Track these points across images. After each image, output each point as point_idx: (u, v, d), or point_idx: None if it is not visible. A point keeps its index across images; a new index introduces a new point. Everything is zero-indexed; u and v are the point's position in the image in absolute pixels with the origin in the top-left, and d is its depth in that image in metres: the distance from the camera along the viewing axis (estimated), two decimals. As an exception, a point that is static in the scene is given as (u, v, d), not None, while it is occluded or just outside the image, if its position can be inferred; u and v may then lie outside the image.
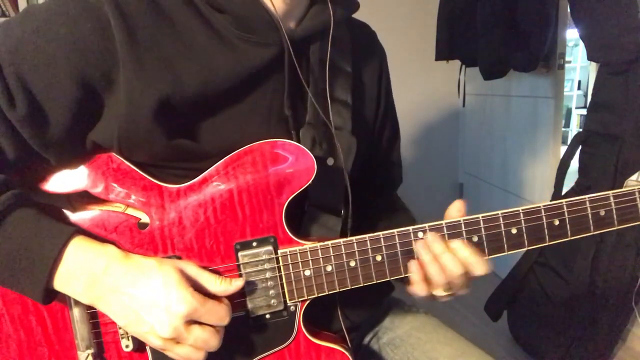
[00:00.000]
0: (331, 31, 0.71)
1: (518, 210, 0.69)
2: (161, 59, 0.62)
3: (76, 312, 0.63)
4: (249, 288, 0.66)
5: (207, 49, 0.65)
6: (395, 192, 0.97)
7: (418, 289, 0.69)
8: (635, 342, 1.77)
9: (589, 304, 1.67)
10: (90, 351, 0.64)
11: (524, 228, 0.69)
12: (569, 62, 4.60)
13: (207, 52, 0.64)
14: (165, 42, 0.63)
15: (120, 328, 0.63)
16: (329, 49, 0.72)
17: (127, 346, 0.64)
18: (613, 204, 0.70)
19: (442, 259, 0.66)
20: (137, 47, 0.61)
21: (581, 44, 2.81)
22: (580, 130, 1.78)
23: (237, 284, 0.63)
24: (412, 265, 0.67)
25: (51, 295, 0.59)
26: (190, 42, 0.64)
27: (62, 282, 0.58)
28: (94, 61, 0.60)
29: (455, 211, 0.70)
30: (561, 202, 0.70)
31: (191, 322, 0.58)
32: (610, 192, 0.70)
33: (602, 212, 0.70)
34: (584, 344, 1.68)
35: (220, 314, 0.60)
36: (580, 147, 1.74)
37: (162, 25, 0.63)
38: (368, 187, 0.91)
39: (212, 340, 0.59)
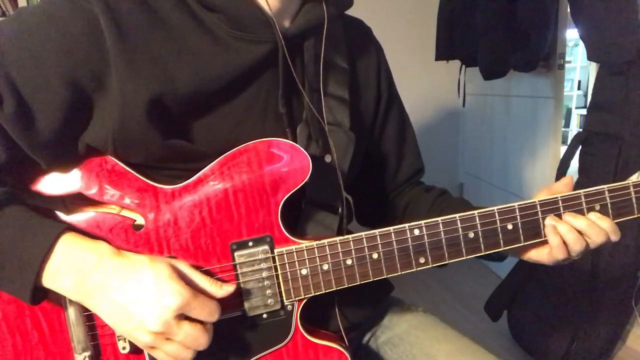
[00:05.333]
0: (325, 27, 0.71)
1: (514, 206, 0.69)
2: (153, 59, 0.62)
3: (72, 314, 0.63)
4: (246, 288, 0.66)
5: (200, 47, 0.65)
6: (422, 181, 0.97)
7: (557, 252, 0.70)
8: (635, 342, 1.76)
9: (589, 303, 1.67)
10: (87, 353, 0.64)
11: (519, 224, 0.69)
12: (569, 62, 4.59)
13: (199, 51, 0.64)
14: (157, 42, 0.63)
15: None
16: (323, 45, 0.72)
17: (124, 348, 0.64)
18: (608, 198, 0.71)
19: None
20: (129, 47, 0.61)
21: (581, 44, 2.81)
22: (580, 130, 1.78)
23: (227, 289, 0.62)
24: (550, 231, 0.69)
25: (40, 295, 0.59)
26: (183, 42, 0.64)
27: (51, 278, 0.58)
28: (84, 62, 0.60)
29: (562, 186, 0.72)
30: (556, 197, 0.70)
31: (181, 317, 0.58)
32: (605, 187, 0.70)
33: (598, 207, 0.70)
34: (584, 343, 1.68)
35: (211, 308, 0.59)
36: (580, 147, 1.74)
37: (153, 25, 0.63)
38: (385, 183, 0.91)
39: (201, 338, 0.59)
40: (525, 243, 0.70)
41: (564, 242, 0.69)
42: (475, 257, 0.71)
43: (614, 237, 0.70)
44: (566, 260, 0.71)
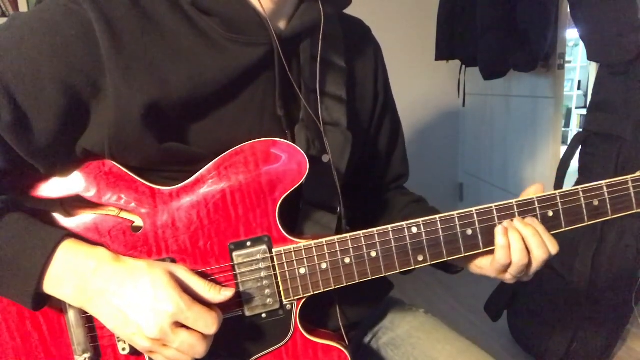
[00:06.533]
0: (322, 28, 0.70)
1: (512, 203, 0.69)
2: (148, 63, 0.62)
3: (71, 316, 0.63)
4: (244, 288, 0.66)
5: (195, 51, 0.64)
6: (404, 187, 0.96)
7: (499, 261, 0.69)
8: (635, 342, 1.77)
9: (589, 303, 1.67)
10: (87, 355, 0.64)
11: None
12: (569, 62, 4.59)
13: (195, 55, 0.64)
14: (152, 47, 0.62)
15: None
16: (320, 45, 0.71)
17: (123, 349, 0.64)
18: (606, 194, 0.70)
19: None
20: (123, 52, 0.60)
21: (581, 44, 2.81)
22: (580, 130, 1.78)
23: (225, 294, 0.62)
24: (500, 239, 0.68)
25: (41, 301, 0.59)
26: (178, 46, 0.64)
27: (52, 285, 0.58)
28: (79, 68, 0.60)
29: (533, 191, 0.71)
30: (554, 194, 0.70)
31: (179, 325, 0.58)
32: (603, 182, 0.70)
33: (596, 202, 0.70)
34: (584, 343, 1.68)
35: (208, 321, 0.58)
36: (580, 147, 1.74)
37: (148, 29, 0.62)
38: (371, 183, 0.91)
39: (198, 346, 0.58)
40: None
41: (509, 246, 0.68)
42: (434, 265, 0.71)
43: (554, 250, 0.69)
44: (505, 270, 0.71)
